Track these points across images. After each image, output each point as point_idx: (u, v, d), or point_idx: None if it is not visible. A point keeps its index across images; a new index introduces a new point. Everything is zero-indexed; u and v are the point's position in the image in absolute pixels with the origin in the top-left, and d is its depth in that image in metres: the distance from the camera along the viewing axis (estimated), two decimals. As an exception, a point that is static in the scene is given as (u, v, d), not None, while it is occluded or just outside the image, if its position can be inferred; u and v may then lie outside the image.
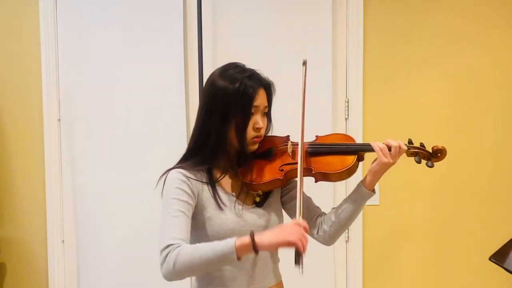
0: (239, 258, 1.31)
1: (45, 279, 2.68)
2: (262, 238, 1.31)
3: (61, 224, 2.67)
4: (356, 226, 2.68)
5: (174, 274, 1.33)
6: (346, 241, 2.70)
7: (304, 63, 1.57)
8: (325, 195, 2.60)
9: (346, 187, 2.61)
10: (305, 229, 1.34)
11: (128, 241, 2.62)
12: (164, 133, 2.59)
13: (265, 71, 1.56)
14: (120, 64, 2.60)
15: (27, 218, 2.67)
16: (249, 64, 1.56)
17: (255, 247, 1.30)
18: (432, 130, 2.69)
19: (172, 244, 1.35)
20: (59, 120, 2.65)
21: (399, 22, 2.67)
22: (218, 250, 1.32)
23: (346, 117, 2.68)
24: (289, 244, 1.30)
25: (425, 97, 2.70)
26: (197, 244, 1.37)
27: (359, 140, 2.64)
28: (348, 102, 2.67)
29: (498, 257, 1.69)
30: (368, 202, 2.66)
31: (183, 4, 2.58)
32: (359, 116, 2.67)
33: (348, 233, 2.69)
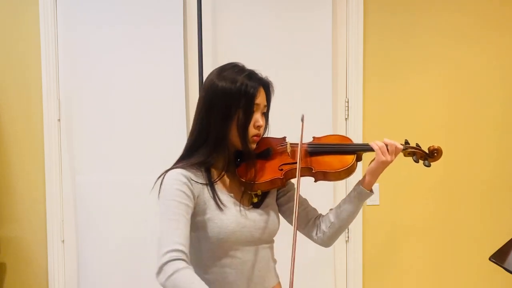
0: None
1: (45, 279, 2.68)
2: None
3: (61, 224, 2.67)
4: (356, 226, 2.68)
5: (165, 286, 1.32)
6: (346, 241, 2.70)
7: (302, 119, 1.56)
8: (325, 195, 2.61)
9: (346, 186, 2.62)
10: None
11: (128, 241, 2.61)
12: (164, 133, 2.59)
13: (265, 71, 1.55)
14: (120, 64, 2.59)
15: (27, 218, 2.67)
16: (249, 64, 1.55)
17: None
18: (431, 130, 2.70)
19: (175, 250, 1.32)
20: (59, 120, 2.65)
21: (399, 22, 2.68)
22: None
23: (346, 117, 2.68)
24: None
25: (425, 97, 2.70)
26: (196, 279, 1.32)
27: (358, 140, 2.64)
28: (348, 102, 2.67)
29: (498, 257, 1.69)
30: (368, 202, 2.71)
31: (183, 4, 2.58)
32: (359, 116, 2.67)
33: (348, 233, 2.70)
